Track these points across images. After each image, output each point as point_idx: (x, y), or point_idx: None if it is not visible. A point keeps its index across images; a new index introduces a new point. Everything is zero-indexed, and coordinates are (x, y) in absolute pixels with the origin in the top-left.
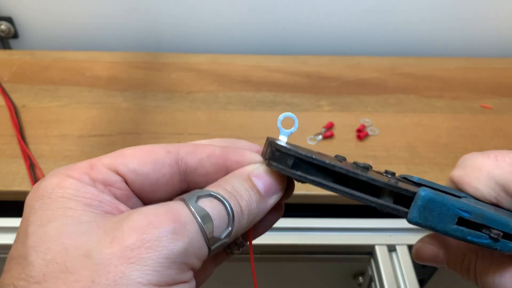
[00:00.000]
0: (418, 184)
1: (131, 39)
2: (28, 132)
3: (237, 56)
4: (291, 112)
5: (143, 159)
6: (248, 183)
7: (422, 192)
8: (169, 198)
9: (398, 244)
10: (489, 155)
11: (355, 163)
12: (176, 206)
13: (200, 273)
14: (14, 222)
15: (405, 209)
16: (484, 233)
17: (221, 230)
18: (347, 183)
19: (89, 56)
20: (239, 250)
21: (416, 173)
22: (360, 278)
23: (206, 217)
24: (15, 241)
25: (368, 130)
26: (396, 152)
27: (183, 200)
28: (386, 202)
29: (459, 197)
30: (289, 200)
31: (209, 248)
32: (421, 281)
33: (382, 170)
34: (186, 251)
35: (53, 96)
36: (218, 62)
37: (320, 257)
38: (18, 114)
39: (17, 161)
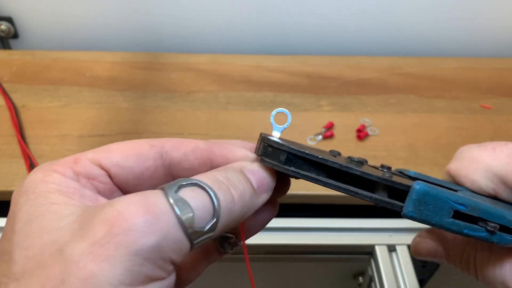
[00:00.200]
0: (414, 178)
1: (131, 39)
2: (28, 132)
3: (237, 56)
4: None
5: (126, 153)
6: (242, 175)
7: (417, 185)
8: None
9: (398, 244)
10: (487, 146)
11: (349, 157)
12: (152, 196)
13: (190, 271)
14: None
15: (400, 203)
16: (480, 226)
17: (204, 222)
18: (341, 178)
19: (89, 56)
20: (232, 249)
21: None
22: (360, 278)
23: (185, 208)
24: (2, 237)
25: (368, 130)
26: (396, 152)
27: (163, 189)
28: (380, 196)
29: (455, 190)
30: (289, 200)
31: (190, 241)
32: (421, 281)
33: (379, 165)
34: (160, 246)
35: (53, 96)
36: (218, 62)
37: (320, 257)
38: (18, 114)
39: (17, 161)
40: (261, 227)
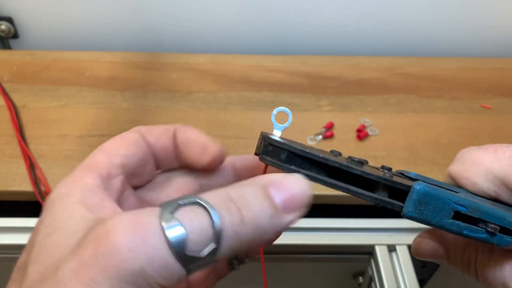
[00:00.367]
0: (415, 180)
1: (131, 39)
2: (28, 132)
3: (237, 56)
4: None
5: (123, 144)
6: (262, 192)
7: (417, 186)
8: (155, 175)
9: (398, 244)
10: (488, 149)
11: (350, 157)
12: (145, 215)
13: (200, 286)
14: (14, 222)
15: (400, 203)
16: (480, 228)
17: (201, 246)
18: (342, 177)
19: (89, 56)
20: (239, 265)
21: None
22: (360, 278)
23: (177, 231)
24: (24, 250)
25: (368, 130)
26: (396, 152)
27: (160, 207)
28: (380, 196)
29: (456, 192)
30: None
31: (185, 267)
32: (421, 281)
33: (379, 166)
34: (145, 271)
35: (53, 96)
36: (218, 62)
37: (320, 257)
38: (18, 114)
39: (17, 161)
40: (266, 245)
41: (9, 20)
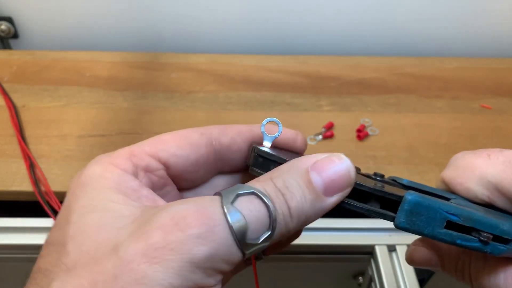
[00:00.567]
0: (407, 187)
1: (131, 39)
2: (28, 132)
3: (237, 56)
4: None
5: (181, 142)
6: (304, 179)
7: (409, 196)
8: (207, 179)
9: (398, 244)
10: (481, 153)
11: None
12: (208, 206)
13: None
14: (14, 222)
15: (392, 214)
16: (473, 236)
17: (258, 234)
18: None
19: (89, 56)
20: (256, 261)
21: (416, 173)
22: (360, 278)
23: (240, 221)
24: (54, 226)
25: (368, 130)
26: (396, 152)
27: (220, 197)
28: (372, 207)
29: (449, 199)
30: None
31: (242, 252)
32: (421, 281)
33: (374, 170)
34: (212, 257)
35: (53, 96)
36: (218, 62)
37: (320, 257)
38: (18, 114)
39: (17, 161)
40: (282, 246)
41: (9, 20)
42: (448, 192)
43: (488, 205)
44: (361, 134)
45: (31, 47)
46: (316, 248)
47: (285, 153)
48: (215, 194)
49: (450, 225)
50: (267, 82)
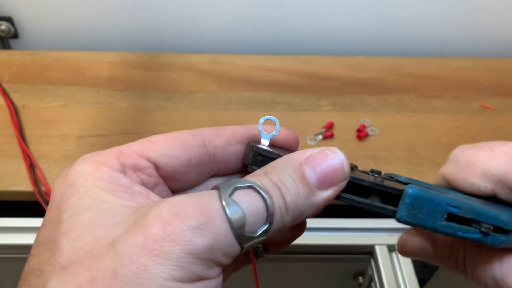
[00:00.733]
0: (405, 183)
1: (131, 39)
2: (28, 132)
3: (237, 56)
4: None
5: (172, 142)
6: (297, 173)
7: (409, 189)
8: (201, 181)
9: None
10: (483, 147)
11: None
12: (207, 198)
13: None
14: (14, 222)
15: (393, 208)
16: (474, 228)
17: (256, 227)
18: None
19: (89, 56)
20: (257, 258)
21: (416, 173)
22: (360, 278)
23: (237, 213)
24: (44, 225)
25: (368, 130)
26: (396, 152)
27: (218, 190)
28: (373, 201)
29: (447, 194)
30: None
31: (240, 245)
32: (421, 281)
33: (369, 170)
34: (212, 248)
35: (53, 96)
36: (218, 62)
37: (320, 257)
38: (18, 114)
39: (17, 161)
40: (285, 243)
41: (9, 20)
42: (445, 188)
43: (489, 199)
44: (361, 134)
45: (31, 47)
46: (316, 248)
47: (282, 151)
48: (212, 189)
49: (451, 217)
50: (267, 82)
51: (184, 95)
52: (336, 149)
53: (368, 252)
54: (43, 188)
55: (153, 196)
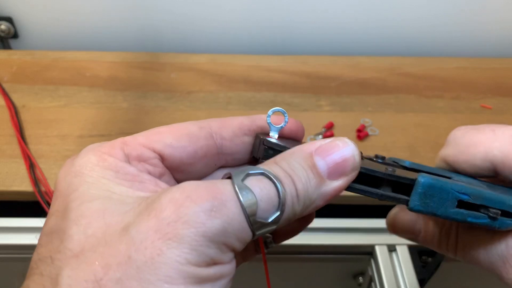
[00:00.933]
0: (411, 169)
1: (131, 39)
2: (28, 132)
3: (237, 56)
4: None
5: (178, 134)
6: (308, 162)
7: (422, 178)
8: (208, 172)
9: (398, 244)
10: (485, 129)
11: None
12: (219, 183)
13: None
14: (14, 222)
15: (406, 197)
16: (482, 213)
17: (268, 213)
18: None
19: (89, 56)
20: (267, 248)
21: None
22: (360, 278)
23: (250, 197)
24: (51, 215)
25: (368, 130)
26: (396, 152)
27: (230, 177)
28: (385, 192)
29: (450, 177)
30: None
31: (252, 231)
32: (421, 281)
33: (372, 155)
34: (225, 231)
35: (53, 96)
36: (218, 62)
37: (320, 257)
38: (18, 114)
39: (17, 161)
40: (292, 233)
41: (9, 20)
42: (447, 171)
43: (492, 181)
44: (361, 134)
45: (31, 47)
46: (316, 248)
47: (291, 142)
48: (223, 177)
49: (460, 204)
50: (267, 82)
51: (184, 95)
52: (347, 140)
53: (368, 252)
54: (43, 188)
55: (162, 184)
